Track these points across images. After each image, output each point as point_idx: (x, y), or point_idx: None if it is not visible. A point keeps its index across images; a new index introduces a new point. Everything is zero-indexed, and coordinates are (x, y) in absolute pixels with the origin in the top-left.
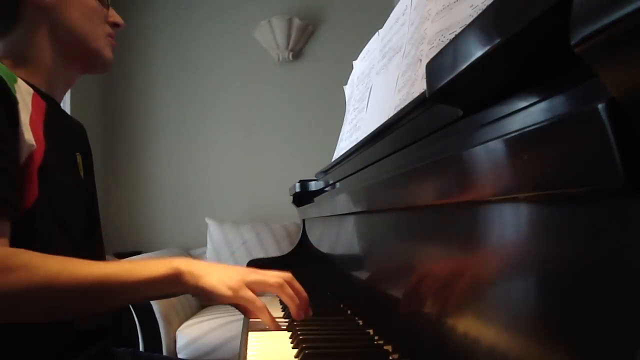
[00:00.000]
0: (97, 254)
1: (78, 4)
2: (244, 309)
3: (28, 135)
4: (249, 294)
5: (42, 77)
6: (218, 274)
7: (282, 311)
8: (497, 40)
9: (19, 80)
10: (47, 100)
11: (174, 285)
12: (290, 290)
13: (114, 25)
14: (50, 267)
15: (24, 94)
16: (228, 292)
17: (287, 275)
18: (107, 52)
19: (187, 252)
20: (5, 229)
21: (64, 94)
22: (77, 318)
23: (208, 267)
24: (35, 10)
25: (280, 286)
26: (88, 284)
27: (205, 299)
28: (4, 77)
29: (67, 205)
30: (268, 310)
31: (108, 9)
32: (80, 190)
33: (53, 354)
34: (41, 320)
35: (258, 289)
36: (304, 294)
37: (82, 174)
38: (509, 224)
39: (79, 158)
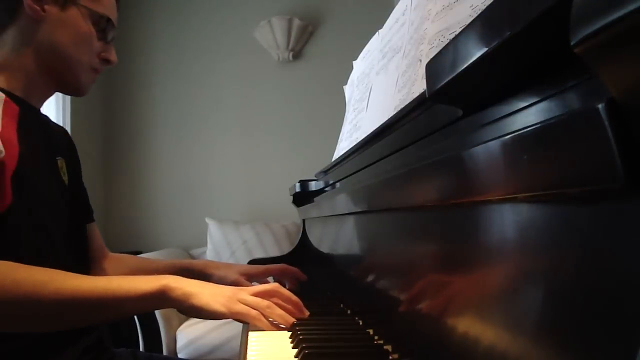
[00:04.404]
0: (79, 257)
1: (71, 27)
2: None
3: None
4: (240, 307)
5: (20, 84)
6: (209, 291)
7: None
8: (497, 41)
9: None
10: (22, 105)
11: (161, 302)
12: (278, 311)
13: (105, 61)
14: (36, 278)
15: None
16: (222, 309)
17: (273, 289)
18: (85, 81)
19: (187, 252)
20: None
21: (43, 102)
22: (64, 330)
23: (198, 285)
24: (29, 21)
25: (269, 308)
26: (76, 297)
27: (196, 316)
28: None
29: (47, 210)
30: (264, 316)
31: (107, 44)
32: (63, 194)
33: (46, 343)
34: (28, 331)
35: (250, 305)
36: (294, 297)
37: (65, 178)
38: (508, 224)
39: (60, 162)
